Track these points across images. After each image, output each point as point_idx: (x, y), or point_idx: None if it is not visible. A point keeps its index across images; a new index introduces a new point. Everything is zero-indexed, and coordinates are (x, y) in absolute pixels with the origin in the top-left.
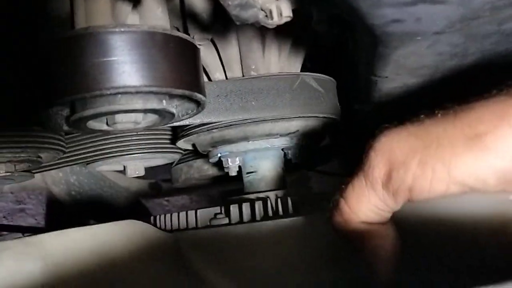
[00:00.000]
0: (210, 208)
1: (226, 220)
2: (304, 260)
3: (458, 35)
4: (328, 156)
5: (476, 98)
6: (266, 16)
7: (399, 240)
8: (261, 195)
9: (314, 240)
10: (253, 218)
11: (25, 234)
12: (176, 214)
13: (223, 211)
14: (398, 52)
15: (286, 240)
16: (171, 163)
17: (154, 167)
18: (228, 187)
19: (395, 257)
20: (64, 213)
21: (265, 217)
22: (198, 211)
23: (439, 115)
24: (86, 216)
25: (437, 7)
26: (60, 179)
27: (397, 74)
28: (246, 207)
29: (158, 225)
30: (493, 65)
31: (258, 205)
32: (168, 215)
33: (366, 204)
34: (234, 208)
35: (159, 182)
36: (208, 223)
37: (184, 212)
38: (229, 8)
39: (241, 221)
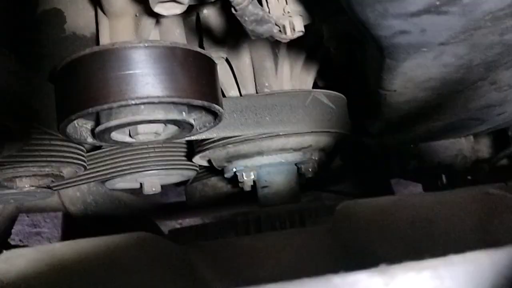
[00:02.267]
0: (220, 222)
1: (234, 233)
2: (309, 269)
3: (462, 46)
4: (341, 177)
5: None
6: (280, 31)
7: None
8: (273, 209)
9: (317, 250)
10: (259, 230)
11: None
12: (188, 227)
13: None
14: (405, 64)
15: (290, 250)
16: (185, 182)
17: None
18: (240, 209)
19: None
20: (79, 235)
21: (273, 230)
22: (208, 224)
23: None
24: (102, 235)
25: (440, 18)
26: (77, 199)
27: (405, 88)
28: (253, 220)
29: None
30: (497, 77)
31: (265, 218)
32: (179, 228)
33: None
34: (242, 221)
35: (172, 204)
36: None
37: (195, 226)
38: (246, 23)
39: (248, 233)
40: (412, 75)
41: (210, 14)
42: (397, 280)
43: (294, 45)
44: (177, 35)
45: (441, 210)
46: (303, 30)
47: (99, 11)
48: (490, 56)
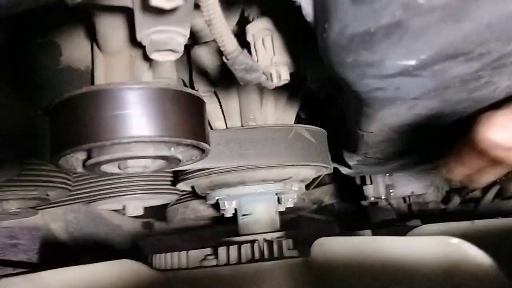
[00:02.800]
0: (201, 249)
1: (215, 262)
2: None
3: (433, 100)
4: (319, 203)
5: None
6: (267, 79)
7: None
8: (253, 237)
9: (295, 283)
10: (239, 260)
11: (16, 269)
12: (170, 254)
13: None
14: (381, 112)
15: (269, 282)
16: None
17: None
18: (220, 229)
19: None
20: (57, 249)
21: (252, 259)
22: (189, 252)
23: None
24: (81, 252)
25: (413, 79)
26: (59, 217)
27: (380, 130)
28: (233, 249)
29: (153, 263)
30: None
31: (245, 248)
32: (162, 255)
33: None
34: (222, 250)
35: (152, 221)
36: (199, 264)
37: (177, 253)
38: (236, 71)
39: (228, 262)
40: (388, 121)
41: (201, 52)
42: None
43: None
44: (167, 69)
45: (409, 254)
46: (289, 78)
47: (95, 47)
48: (459, 109)
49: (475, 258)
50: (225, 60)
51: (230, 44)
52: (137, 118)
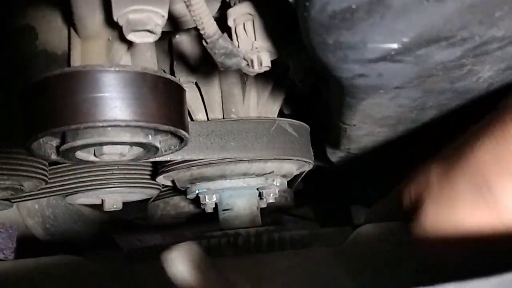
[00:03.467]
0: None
1: None
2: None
3: (416, 90)
4: (302, 201)
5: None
6: (248, 64)
7: None
8: (233, 232)
9: (279, 277)
10: (221, 254)
11: None
12: (148, 247)
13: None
14: (364, 103)
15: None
16: (147, 200)
17: (129, 204)
18: (202, 228)
19: None
20: (34, 247)
21: (235, 253)
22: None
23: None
24: (58, 250)
25: (395, 65)
26: (35, 212)
27: (363, 123)
28: (214, 243)
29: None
30: (449, 118)
31: (226, 241)
32: (138, 249)
33: None
34: (203, 244)
35: (133, 220)
36: None
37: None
38: (216, 56)
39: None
40: (370, 112)
41: (183, 40)
42: None
43: (262, 75)
44: (148, 58)
45: None
46: (270, 65)
47: (72, 31)
48: (442, 100)
49: None
50: (204, 44)
51: (210, 27)
52: (112, 102)
